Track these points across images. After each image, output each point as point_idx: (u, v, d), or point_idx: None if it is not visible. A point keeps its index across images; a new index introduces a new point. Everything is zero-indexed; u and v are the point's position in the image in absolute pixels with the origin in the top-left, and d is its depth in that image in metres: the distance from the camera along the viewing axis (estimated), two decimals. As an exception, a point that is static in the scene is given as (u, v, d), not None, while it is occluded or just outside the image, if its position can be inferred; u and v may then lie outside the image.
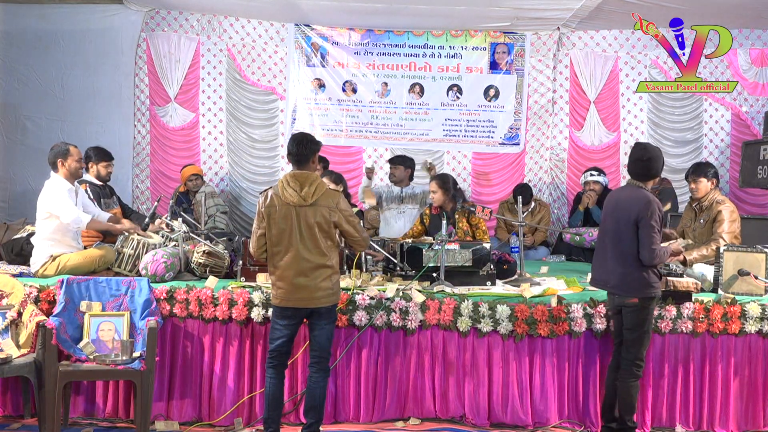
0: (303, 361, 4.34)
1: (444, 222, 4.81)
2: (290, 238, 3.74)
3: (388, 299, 4.33)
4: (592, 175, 6.73)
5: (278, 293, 3.81)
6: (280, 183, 3.81)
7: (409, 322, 4.32)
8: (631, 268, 3.92)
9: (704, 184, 4.83)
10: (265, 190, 3.88)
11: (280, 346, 3.87)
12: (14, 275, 4.47)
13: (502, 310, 4.31)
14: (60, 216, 4.55)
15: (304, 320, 3.92)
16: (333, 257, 3.85)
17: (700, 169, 4.87)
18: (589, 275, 4.32)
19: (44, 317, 4.15)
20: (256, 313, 4.33)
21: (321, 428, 3.94)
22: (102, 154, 5.61)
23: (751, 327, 4.30)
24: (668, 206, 6.26)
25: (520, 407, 4.37)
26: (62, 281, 4.25)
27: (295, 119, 7.65)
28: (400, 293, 4.36)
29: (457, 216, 5.43)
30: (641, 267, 3.90)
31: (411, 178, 6.68)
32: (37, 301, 4.35)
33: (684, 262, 4.57)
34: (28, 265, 4.72)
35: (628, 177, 4.15)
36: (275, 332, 3.88)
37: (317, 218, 3.75)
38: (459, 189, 5.73)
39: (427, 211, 5.64)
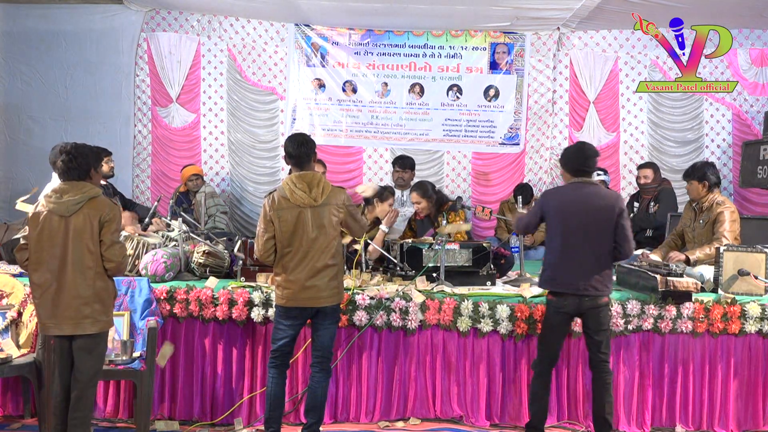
0: (303, 361, 4.34)
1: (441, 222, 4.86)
2: (302, 239, 3.73)
3: (388, 299, 4.33)
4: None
5: (284, 293, 3.78)
6: (285, 185, 3.80)
7: (409, 322, 4.32)
8: (606, 265, 3.90)
9: (695, 187, 4.84)
10: (270, 193, 3.85)
11: (283, 347, 3.87)
12: (14, 275, 4.48)
13: (502, 310, 4.32)
14: None
15: (308, 320, 3.92)
16: (339, 256, 3.87)
17: (693, 172, 4.87)
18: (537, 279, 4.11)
19: (44, 317, 4.15)
20: (256, 313, 4.33)
21: (321, 428, 3.94)
22: (99, 151, 5.60)
23: (751, 327, 4.30)
24: None
25: (520, 407, 4.37)
26: (62, 281, 4.24)
27: (295, 119, 7.66)
28: (400, 293, 4.37)
29: (440, 219, 5.41)
30: (612, 264, 3.93)
31: (413, 179, 6.72)
32: (37, 301, 4.35)
33: (687, 262, 4.58)
34: (29, 265, 4.73)
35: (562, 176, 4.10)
36: (279, 332, 3.86)
37: (328, 218, 3.77)
38: (439, 191, 5.55)
39: (414, 217, 5.60)
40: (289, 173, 4.04)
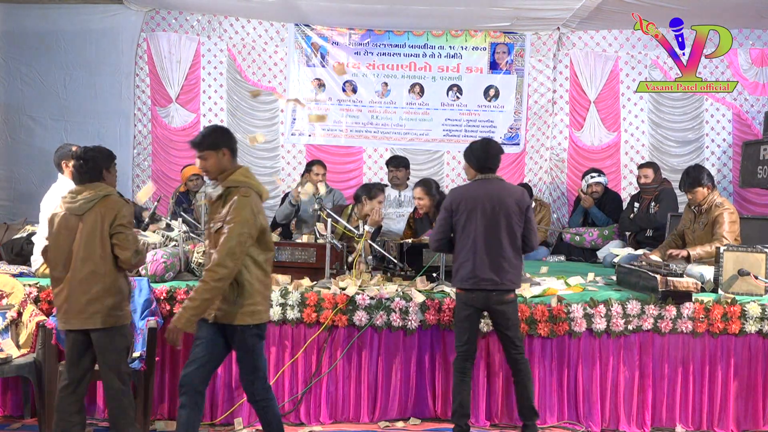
0: (303, 360, 4.33)
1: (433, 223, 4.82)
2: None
3: (388, 299, 4.33)
4: (592, 177, 6.75)
5: (267, 306, 3.44)
6: (252, 181, 3.40)
7: (409, 322, 4.32)
8: (519, 258, 3.96)
9: (701, 192, 4.84)
10: (248, 188, 3.32)
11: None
12: (14, 275, 4.48)
13: (502, 310, 4.31)
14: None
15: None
16: None
17: (695, 181, 4.84)
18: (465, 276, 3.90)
19: (44, 317, 4.16)
20: (256, 313, 4.32)
21: (321, 428, 3.93)
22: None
23: (751, 327, 4.30)
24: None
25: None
26: (62, 281, 4.25)
27: (295, 119, 7.66)
28: (400, 293, 4.36)
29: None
30: (522, 257, 3.99)
31: (408, 178, 6.73)
32: (37, 301, 4.35)
33: (687, 258, 4.58)
34: (28, 265, 4.73)
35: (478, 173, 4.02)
36: (262, 356, 3.48)
37: None
38: (441, 192, 5.53)
39: (413, 215, 5.57)
40: (240, 168, 3.47)
